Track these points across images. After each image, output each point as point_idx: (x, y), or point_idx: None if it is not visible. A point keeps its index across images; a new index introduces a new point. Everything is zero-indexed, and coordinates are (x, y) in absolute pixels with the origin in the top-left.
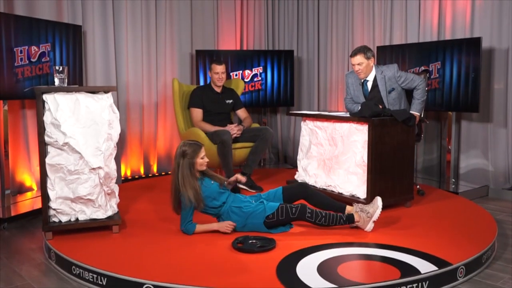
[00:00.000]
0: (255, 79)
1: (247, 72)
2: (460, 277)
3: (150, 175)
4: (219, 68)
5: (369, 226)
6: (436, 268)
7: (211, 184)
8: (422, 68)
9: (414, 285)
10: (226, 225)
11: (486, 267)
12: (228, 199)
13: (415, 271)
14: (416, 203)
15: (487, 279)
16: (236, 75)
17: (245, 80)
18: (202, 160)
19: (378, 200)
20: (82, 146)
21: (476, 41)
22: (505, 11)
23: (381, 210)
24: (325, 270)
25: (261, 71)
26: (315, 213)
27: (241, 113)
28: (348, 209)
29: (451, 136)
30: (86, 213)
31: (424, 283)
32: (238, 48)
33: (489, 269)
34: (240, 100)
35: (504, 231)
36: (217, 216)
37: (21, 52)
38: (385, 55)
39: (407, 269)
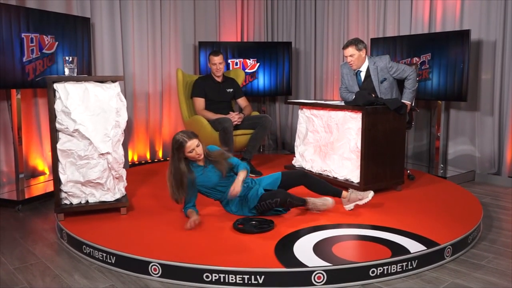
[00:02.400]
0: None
1: (248, 62)
2: (447, 256)
3: (155, 160)
4: (216, 59)
5: (349, 206)
6: (425, 248)
7: (213, 173)
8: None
9: (404, 263)
10: (190, 222)
11: (471, 247)
12: (229, 186)
13: (405, 251)
14: (407, 187)
15: (473, 258)
16: (236, 64)
17: (246, 70)
18: (190, 154)
19: (371, 193)
20: (91, 132)
21: (465, 34)
22: (493, 4)
23: (368, 200)
24: (320, 249)
25: (257, 62)
26: (296, 198)
27: (242, 101)
28: (344, 194)
29: (440, 123)
30: (95, 196)
31: (413, 261)
32: (239, 40)
33: (475, 249)
34: (241, 89)
35: (489, 213)
36: (220, 201)
37: (32, 42)
38: (378, 46)
39: (398, 249)
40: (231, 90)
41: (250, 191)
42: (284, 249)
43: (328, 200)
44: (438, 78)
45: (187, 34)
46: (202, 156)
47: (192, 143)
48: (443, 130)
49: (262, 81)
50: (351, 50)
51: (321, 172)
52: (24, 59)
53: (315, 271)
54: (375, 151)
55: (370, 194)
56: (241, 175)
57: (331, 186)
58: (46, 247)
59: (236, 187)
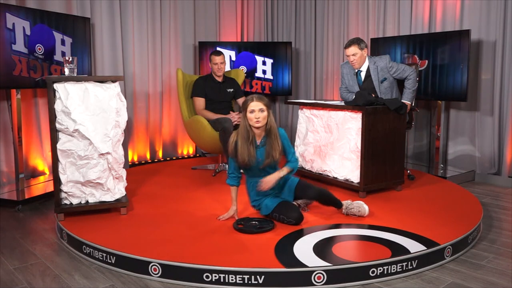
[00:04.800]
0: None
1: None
2: (447, 256)
3: (155, 160)
4: (218, 59)
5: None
6: (425, 248)
7: (260, 155)
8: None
9: (404, 263)
10: (225, 215)
11: (471, 247)
12: (263, 174)
13: (405, 251)
14: (407, 187)
15: (473, 258)
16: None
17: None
18: (250, 115)
19: (367, 210)
20: (91, 132)
21: (465, 34)
22: (493, 4)
23: (360, 214)
24: (320, 250)
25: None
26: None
27: (242, 101)
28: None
29: (440, 123)
30: (95, 196)
31: (413, 261)
32: (239, 40)
33: (475, 249)
34: (241, 89)
35: (489, 213)
36: (247, 178)
37: (31, 42)
38: (378, 47)
39: (398, 249)
40: (232, 90)
41: (270, 196)
42: (284, 249)
43: (363, 209)
44: (438, 78)
45: (187, 34)
46: (261, 124)
47: (256, 104)
48: (443, 130)
49: (262, 81)
50: (353, 49)
51: (321, 172)
52: (25, 59)
53: (315, 271)
54: (375, 151)
55: (366, 210)
56: (284, 171)
57: (337, 200)
58: (46, 247)
59: (270, 182)
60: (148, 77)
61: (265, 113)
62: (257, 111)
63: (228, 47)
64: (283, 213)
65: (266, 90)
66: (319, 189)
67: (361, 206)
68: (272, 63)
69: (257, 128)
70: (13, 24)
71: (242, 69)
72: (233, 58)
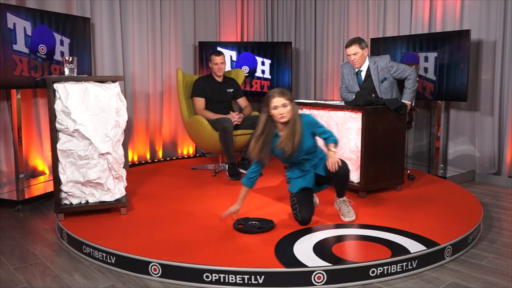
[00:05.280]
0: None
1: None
2: (447, 256)
3: (155, 160)
4: (218, 59)
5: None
6: (425, 248)
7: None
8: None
9: (404, 263)
10: (231, 210)
11: (472, 247)
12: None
13: (405, 251)
14: (407, 187)
15: (473, 258)
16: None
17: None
18: (275, 111)
19: (352, 217)
20: (91, 132)
21: (465, 34)
22: (493, 4)
23: (342, 217)
24: (320, 249)
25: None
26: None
27: (242, 101)
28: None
29: (440, 123)
30: (95, 196)
31: (413, 261)
32: (239, 40)
33: (475, 249)
34: (241, 89)
35: (489, 213)
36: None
37: (32, 42)
38: (379, 47)
39: (398, 249)
40: (232, 90)
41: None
42: (284, 249)
43: (351, 215)
44: (438, 78)
45: (187, 34)
46: (287, 119)
47: (278, 100)
48: (443, 130)
49: (262, 81)
50: (354, 49)
51: None
52: (25, 58)
53: (315, 271)
54: (375, 151)
55: (351, 218)
56: (333, 148)
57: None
58: (46, 247)
59: (337, 162)
60: (148, 77)
61: (289, 107)
62: (280, 107)
63: (229, 47)
64: (299, 205)
65: (265, 89)
66: (347, 169)
67: (349, 214)
68: (270, 63)
69: (283, 123)
70: (14, 24)
71: (245, 69)
72: (234, 58)
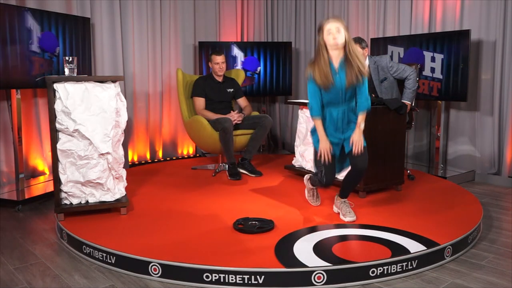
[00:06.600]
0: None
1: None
2: (447, 256)
3: (155, 160)
4: (219, 59)
5: (335, 209)
6: (425, 248)
7: (341, 81)
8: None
9: (404, 263)
10: (325, 150)
11: (471, 247)
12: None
13: (405, 251)
14: (407, 187)
15: (473, 258)
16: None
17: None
18: (328, 37)
19: (353, 217)
20: (91, 132)
21: (465, 34)
22: (493, 4)
23: (345, 219)
24: (320, 250)
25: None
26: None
27: (242, 101)
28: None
29: (440, 123)
30: (95, 196)
31: (413, 261)
32: (239, 40)
33: (475, 249)
34: (241, 89)
35: (489, 213)
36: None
37: (32, 43)
38: (378, 47)
39: (398, 249)
40: (232, 90)
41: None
42: (284, 249)
43: (352, 215)
44: (438, 78)
45: (187, 34)
46: (340, 43)
47: (333, 25)
48: (443, 130)
49: (262, 81)
50: None
51: None
52: (25, 58)
53: (315, 271)
54: (375, 151)
55: (352, 218)
56: (362, 122)
57: (349, 190)
58: (46, 247)
59: (360, 141)
60: (148, 77)
61: (343, 33)
62: (334, 31)
63: (241, 47)
64: (325, 169)
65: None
66: (365, 166)
67: (350, 214)
68: (272, 63)
69: (336, 48)
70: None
71: (258, 70)
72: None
